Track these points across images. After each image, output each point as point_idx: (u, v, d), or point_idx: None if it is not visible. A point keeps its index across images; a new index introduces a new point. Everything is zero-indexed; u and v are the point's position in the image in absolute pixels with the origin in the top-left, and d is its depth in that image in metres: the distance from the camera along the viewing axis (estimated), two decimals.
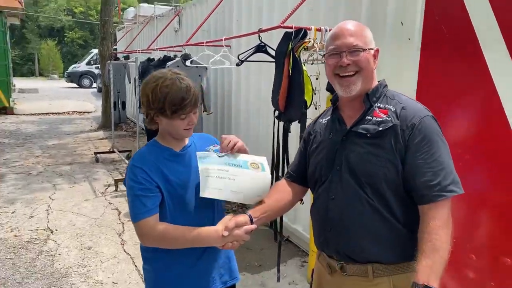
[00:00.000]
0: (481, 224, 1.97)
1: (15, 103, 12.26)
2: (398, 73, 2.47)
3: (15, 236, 3.82)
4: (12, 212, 4.39)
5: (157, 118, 1.43)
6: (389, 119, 1.27)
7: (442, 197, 1.20)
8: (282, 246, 3.65)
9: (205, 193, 1.39)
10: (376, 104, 1.32)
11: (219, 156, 1.45)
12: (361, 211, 1.28)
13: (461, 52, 1.90)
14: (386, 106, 1.31)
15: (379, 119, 1.28)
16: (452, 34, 1.94)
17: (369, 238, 1.28)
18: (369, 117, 1.30)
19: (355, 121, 1.33)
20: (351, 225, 1.30)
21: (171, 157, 1.48)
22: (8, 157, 6.79)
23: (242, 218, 1.39)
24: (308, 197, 3.07)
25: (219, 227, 1.37)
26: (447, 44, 1.96)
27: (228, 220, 1.39)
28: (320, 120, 1.52)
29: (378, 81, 1.38)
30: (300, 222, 3.68)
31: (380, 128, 1.26)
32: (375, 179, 1.26)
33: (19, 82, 19.57)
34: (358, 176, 1.28)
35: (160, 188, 1.41)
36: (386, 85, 1.38)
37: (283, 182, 1.61)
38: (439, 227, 1.19)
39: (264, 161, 1.52)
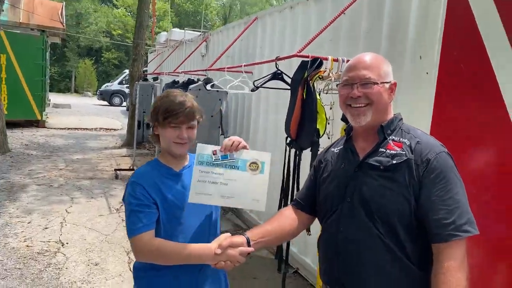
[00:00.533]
0: (499, 271, 1.84)
1: (47, 117, 12.78)
2: (414, 107, 2.41)
3: (27, 246, 3.87)
4: (28, 222, 4.48)
5: (156, 129, 1.48)
6: (403, 152, 1.24)
7: (456, 237, 1.15)
8: (290, 278, 3.54)
9: (193, 198, 1.39)
10: (390, 137, 1.30)
11: (220, 158, 1.43)
12: (371, 247, 1.24)
13: (478, 90, 1.83)
14: (401, 139, 1.28)
15: (393, 152, 1.25)
16: (470, 70, 1.88)
17: (379, 276, 1.23)
18: (382, 149, 1.28)
19: (368, 153, 1.31)
20: (361, 261, 1.26)
21: (169, 176, 1.48)
22: (33, 168, 7.02)
23: (239, 239, 1.37)
24: (315, 229, 2.98)
25: (213, 245, 1.36)
26: (464, 79, 1.90)
27: (224, 238, 1.37)
28: (332, 149, 1.49)
29: (394, 114, 1.36)
30: (309, 254, 3.56)
31: (394, 161, 1.23)
32: (388, 213, 1.22)
33: (54, 97, 20.50)
34: (371, 209, 1.24)
35: (157, 205, 1.41)
36: (401, 119, 1.36)
37: (288, 209, 1.57)
38: (454, 268, 1.14)
39: (267, 160, 1.48)
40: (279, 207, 2.87)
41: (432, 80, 2.24)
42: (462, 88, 1.90)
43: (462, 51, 1.92)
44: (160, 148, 1.53)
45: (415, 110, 2.42)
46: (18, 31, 11.35)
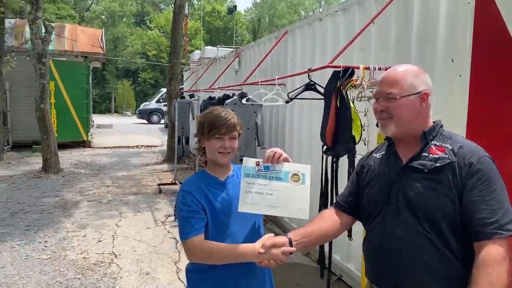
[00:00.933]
0: None
1: (92, 137, 13.56)
2: (449, 109, 2.44)
3: (84, 258, 4.17)
4: (83, 236, 4.81)
5: (202, 142, 1.64)
6: (446, 156, 1.30)
7: (498, 235, 1.20)
8: (334, 285, 3.58)
9: (242, 208, 1.51)
10: (432, 142, 1.37)
11: (263, 168, 1.55)
12: (419, 244, 1.30)
13: (510, 88, 1.86)
14: (443, 144, 1.35)
15: (436, 156, 1.32)
16: (502, 71, 1.92)
17: (427, 272, 1.29)
18: (425, 154, 1.35)
19: (411, 157, 1.38)
20: (409, 258, 1.31)
21: (215, 184, 1.63)
22: (83, 186, 7.49)
23: (281, 239, 1.47)
24: (356, 233, 3.03)
25: (258, 244, 1.48)
26: (496, 80, 1.93)
27: (267, 239, 1.48)
28: (374, 155, 1.57)
29: (434, 122, 1.43)
30: (353, 261, 3.59)
31: (438, 164, 1.30)
32: (433, 213, 1.28)
33: (97, 118, 21.61)
34: (416, 210, 1.31)
35: (206, 211, 1.56)
36: (442, 125, 1.43)
37: (330, 210, 1.65)
38: (496, 262, 1.17)
39: (307, 171, 1.58)
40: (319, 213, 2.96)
41: (465, 82, 2.28)
42: (495, 89, 1.94)
43: (492, 52, 1.96)
44: (200, 162, 1.69)
45: (450, 113, 2.45)
46: (64, 59, 12.19)
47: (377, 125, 2.78)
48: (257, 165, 1.57)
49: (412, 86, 1.38)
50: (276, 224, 5.29)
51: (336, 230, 1.58)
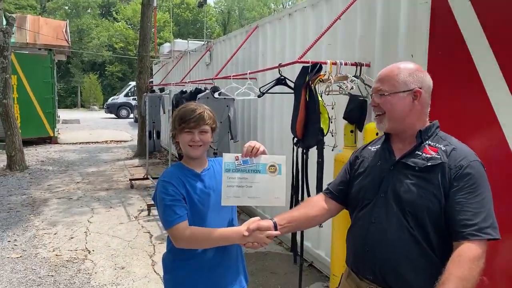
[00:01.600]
0: None
1: (59, 133, 13.14)
2: None
3: (56, 255, 4.12)
4: (54, 234, 4.74)
5: (176, 137, 1.70)
6: (438, 156, 1.35)
7: (477, 237, 1.24)
8: (306, 271, 3.74)
9: (225, 202, 1.60)
10: (427, 142, 1.41)
11: (242, 162, 1.63)
12: (401, 237, 1.35)
13: (463, 84, 2.04)
14: (437, 145, 1.39)
15: (429, 155, 1.36)
16: (455, 66, 2.09)
17: (407, 266, 1.35)
18: (418, 152, 1.39)
19: (404, 154, 1.42)
20: (390, 249, 1.37)
21: (193, 176, 1.70)
22: (52, 183, 7.31)
23: (266, 223, 1.54)
24: (326, 222, 3.19)
25: (243, 227, 1.56)
26: (450, 75, 2.10)
27: (252, 222, 1.56)
28: (369, 147, 1.61)
29: (431, 122, 1.47)
30: (323, 247, 3.76)
31: (429, 164, 1.34)
32: (418, 210, 1.32)
33: (62, 113, 20.94)
34: (403, 205, 1.35)
35: (185, 200, 1.63)
36: (438, 126, 1.47)
37: (318, 197, 1.69)
38: (470, 260, 1.21)
39: (283, 162, 1.67)
40: (291, 203, 3.08)
41: None
42: (449, 85, 2.10)
43: (446, 49, 2.13)
44: (172, 157, 1.74)
45: None
46: (26, 52, 11.72)
47: (344, 118, 2.93)
48: (236, 159, 1.64)
49: (404, 83, 1.40)
50: (249, 215, 5.41)
51: (322, 216, 1.62)
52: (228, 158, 1.64)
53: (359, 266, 1.49)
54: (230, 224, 1.74)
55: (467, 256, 1.22)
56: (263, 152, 1.68)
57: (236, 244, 1.70)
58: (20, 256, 4.07)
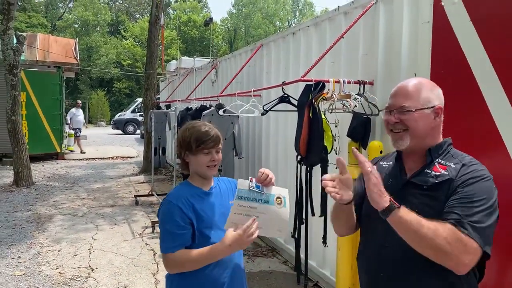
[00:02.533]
0: None
1: (66, 149, 13.26)
2: None
3: (60, 273, 4.10)
4: (58, 251, 4.73)
5: (186, 157, 1.69)
6: (447, 173, 1.31)
7: (464, 229, 1.20)
8: None
9: (228, 226, 1.57)
10: (437, 160, 1.37)
11: (255, 186, 1.60)
12: (415, 261, 1.30)
13: (465, 103, 2.03)
14: (447, 163, 1.35)
15: (437, 173, 1.33)
16: (457, 85, 2.09)
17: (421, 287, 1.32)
18: (428, 171, 1.36)
19: (415, 173, 1.39)
20: (404, 274, 1.34)
21: (201, 194, 1.69)
22: (57, 199, 7.33)
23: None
24: (330, 240, 3.15)
25: (226, 240, 1.55)
26: (453, 93, 2.10)
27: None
28: (382, 163, 1.57)
29: (444, 139, 1.43)
30: (328, 266, 3.70)
31: (437, 181, 1.31)
32: None
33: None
34: None
35: (193, 222, 1.62)
36: (451, 143, 1.43)
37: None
38: (445, 229, 1.19)
39: (286, 194, 1.66)
40: (295, 221, 3.06)
41: None
42: (452, 104, 2.10)
43: (448, 68, 2.13)
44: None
45: None
46: (36, 69, 11.94)
47: (347, 135, 2.93)
48: (250, 181, 1.62)
49: (426, 100, 1.38)
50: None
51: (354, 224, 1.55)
52: (242, 184, 1.60)
53: None
54: None
55: (444, 227, 1.20)
56: (272, 182, 1.65)
57: (241, 263, 1.70)
58: (24, 274, 4.06)
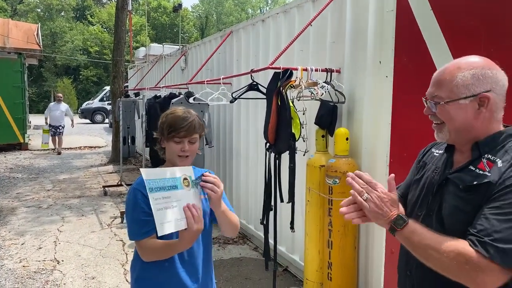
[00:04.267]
0: None
1: (29, 139, 12.72)
2: (378, 107, 2.67)
3: (23, 266, 3.97)
4: (22, 244, 4.56)
5: (162, 142, 1.63)
6: (489, 174, 1.10)
7: (474, 244, 1.04)
8: (281, 276, 3.74)
9: (161, 230, 1.36)
10: (486, 155, 1.14)
11: (159, 178, 1.41)
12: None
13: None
14: (496, 159, 1.12)
15: (480, 172, 1.12)
16: (418, 71, 2.15)
17: None
18: (472, 168, 1.15)
19: (456, 169, 1.20)
20: (428, 276, 1.19)
21: None
22: (20, 191, 7.05)
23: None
24: (298, 226, 3.19)
25: None
26: (415, 81, 2.16)
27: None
28: (433, 150, 1.38)
29: (502, 130, 1.18)
30: (297, 252, 3.77)
31: (474, 182, 1.11)
32: (458, 235, 1.11)
33: (34, 119, 20.27)
34: (445, 228, 1.17)
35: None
36: (510, 134, 1.16)
37: None
38: (456, 248, 1.06)
39: (191, 173, 1.48)
40: (264, 207, 3.08)
41: (391, 83, 2.50)
42: (414, 90, 2.16)
43: (410, 55, 2.18)
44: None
45: (379, 111, 2.68)
46: None
47: (315, 123, 2.96)
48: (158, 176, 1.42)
49: (465, 87, 1.14)
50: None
51: None
52: (148, 174, 1.38)
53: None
54: (207, 234, 1.69)
55: (458, 244, 1.06)
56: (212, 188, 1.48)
57: (209, 251, 1.69)
58: None
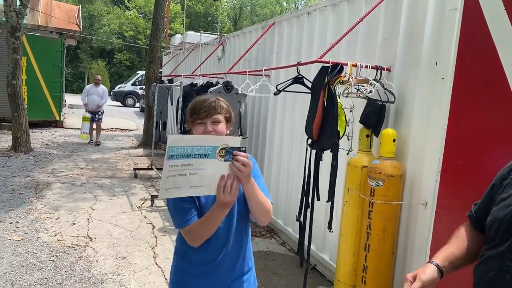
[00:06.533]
0: None
1: (64, 117, 13.12)
2: (430, 111, 2.55)
3: (58, 240, 4.09)
4: (57, 218, 4.71)
5: (191, 131, 1.61)
6: None
7: None
8: (309, 274, 3.69)
9: (163, 195, 1.37)
10: None
11: (189, 145, 1.37)
12: None
13: (491, 94, 1.97)
14: None
15: None
16: (483, 75, 2.02)
17: None
18: None
19: None
20: None
21: None
22: (56, 167, 7.28)
23: (429, 273, 1.19)
24: (336, 226, 3.13)
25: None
26: (478, 84, 2.04)
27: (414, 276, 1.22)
28: None
29: None
30: (327, 251, 3.71)
31: None
32: None
33: (69, 98, 20.91)
34: None
35: (193, 198, 1.55)
36: None
37: (467, 227, 1.36)
38: None
39: (236, 144, 1.41)
40: (300, 207, 3.03)
41: (447, 85, 2.39)
42: (476, 94, 2.04)
43: (476, 57, 2.06)
44: None
45: (431, 113, 2.56)
46: (38, 34, 11.68)
47: (360, 121, 2.87)
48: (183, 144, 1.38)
49: None
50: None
51: (477, 248, 1.27)
52: (173, 142, 1.35)
53: None
54: (243, 223, 1.66)
55: None
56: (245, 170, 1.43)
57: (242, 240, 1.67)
58: (22, 239, 4.05)
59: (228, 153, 1.39)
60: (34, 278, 3.31)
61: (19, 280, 3.25)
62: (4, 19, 8.36)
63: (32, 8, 12.09)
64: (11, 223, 4.44)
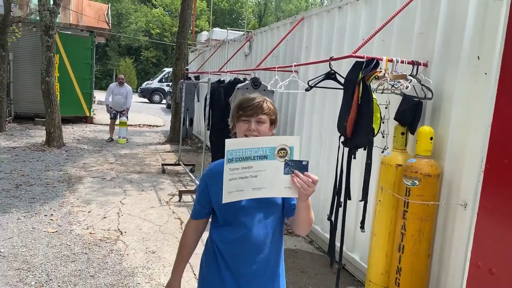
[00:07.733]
0: None
1: (94, 114, 13.48)
2: (471, 107, 2.44)
3: (90, 233, 4.20)
4: (88, 212, 4.83)
5: (233, 128, 1.63)
6: None
7: None
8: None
9: (227, 198, 1.38)
10: None
11: (247, 148, 1.37)
12: None
13: None
14: None
15: None
16: None
17: None
18: None
19: None
20: None
21: None
22: (86, 161, 7.48)
23: None
24: (367, 225, 3.06)
25: None
26: None
27: None
28: None
29: None
30: (358, 250, 3.63)
31: None
32: None
33: (98, 95, 21.46)
34: None
35: (212, 202, 1.60)
36: None
37: None
38: None
39: (295, 143, 1.39)
40: (332, 206, 2.97)
41: (491, 80, 2.27)
42: None
43: None
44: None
45: (472, 110, 2.45)
46: (69, 32, 12.03)
47: (395, 118, 2.78)
48: (242, 147, 1.39)
49: None
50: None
51: None
52: (231, 145, 1.36)
53: None
54: (275, 229, 1.64)
55: None
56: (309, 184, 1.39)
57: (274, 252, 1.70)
58: (56, 231, 4.17)
59: (289, 166, 1.38)
60: (68, 269, 3.40)
61: (54, 271, 3.35)
62: (38, 18, 8.64)
63: (64, 6, 12.45)
64: (45, 215, 4.59)
